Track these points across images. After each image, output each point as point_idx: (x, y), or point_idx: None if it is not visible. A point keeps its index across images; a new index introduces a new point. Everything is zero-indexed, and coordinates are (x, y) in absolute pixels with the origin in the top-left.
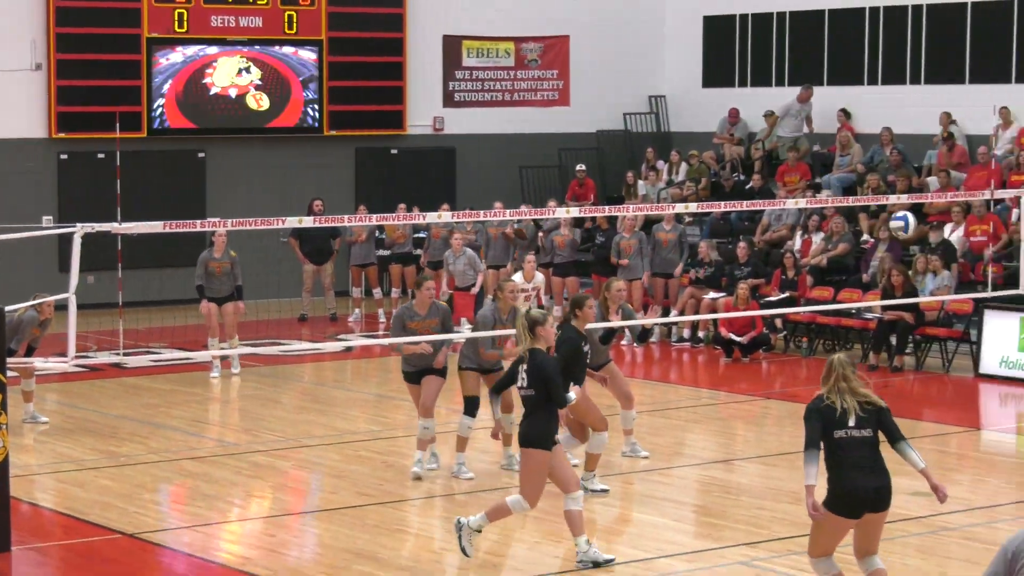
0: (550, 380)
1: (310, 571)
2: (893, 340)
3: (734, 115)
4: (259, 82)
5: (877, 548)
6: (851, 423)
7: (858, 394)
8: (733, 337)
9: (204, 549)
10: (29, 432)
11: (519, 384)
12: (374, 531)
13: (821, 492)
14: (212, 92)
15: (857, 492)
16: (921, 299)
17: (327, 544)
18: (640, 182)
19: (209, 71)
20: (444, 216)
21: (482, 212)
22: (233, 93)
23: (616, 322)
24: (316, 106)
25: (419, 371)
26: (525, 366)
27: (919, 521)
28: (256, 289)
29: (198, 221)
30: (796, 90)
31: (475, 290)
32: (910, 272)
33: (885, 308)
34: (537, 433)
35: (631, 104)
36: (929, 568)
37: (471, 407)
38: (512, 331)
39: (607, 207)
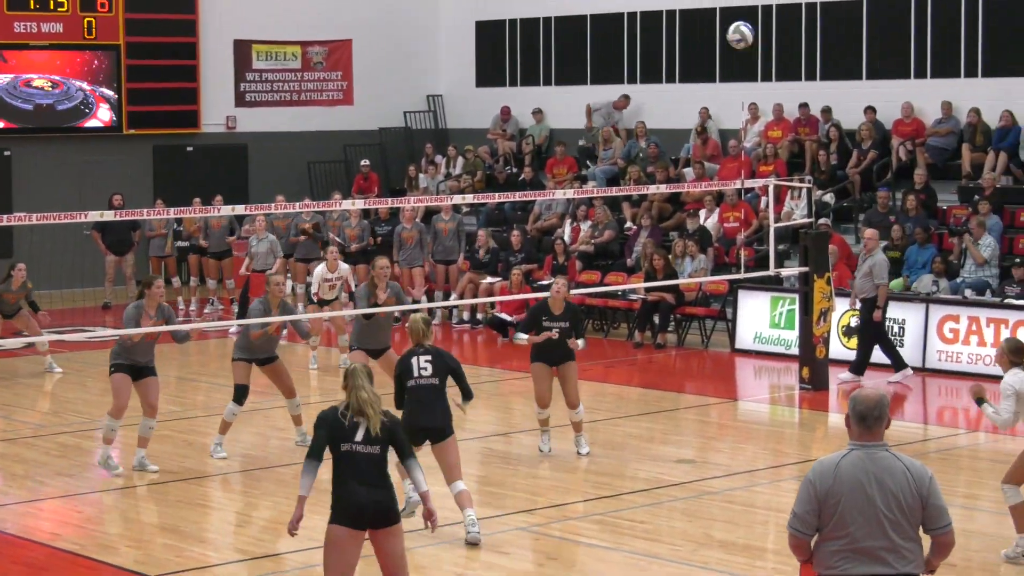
0: (458, 371)
1: (117, 544)
2: (656, 319)
3: (506, 112)
4: (62, 83)
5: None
6: (358, 438)
7: (374, 406)
8: (506, 317)
9: (16, 527)
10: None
11: (418, 374)
12: (176, 506)
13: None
14: (18, 92)
15: (359, 505)
16: (680, 281)
17: (132, 519)
18: (421, 175)
19: (15, 73)
20: (236, 209)
21: (270, 206)
22: (37, 94)
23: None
24: (117, 108)
25: None
26: (428, 358)
27: (683, 487)
28: (62, 279)
29: (4, 215)
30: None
31: (274, 270)
32: (670, 256)
33: (648, 290)
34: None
35: (411, 103)
36: (694, 530)
37: (240, 395)
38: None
39: (390, 199)
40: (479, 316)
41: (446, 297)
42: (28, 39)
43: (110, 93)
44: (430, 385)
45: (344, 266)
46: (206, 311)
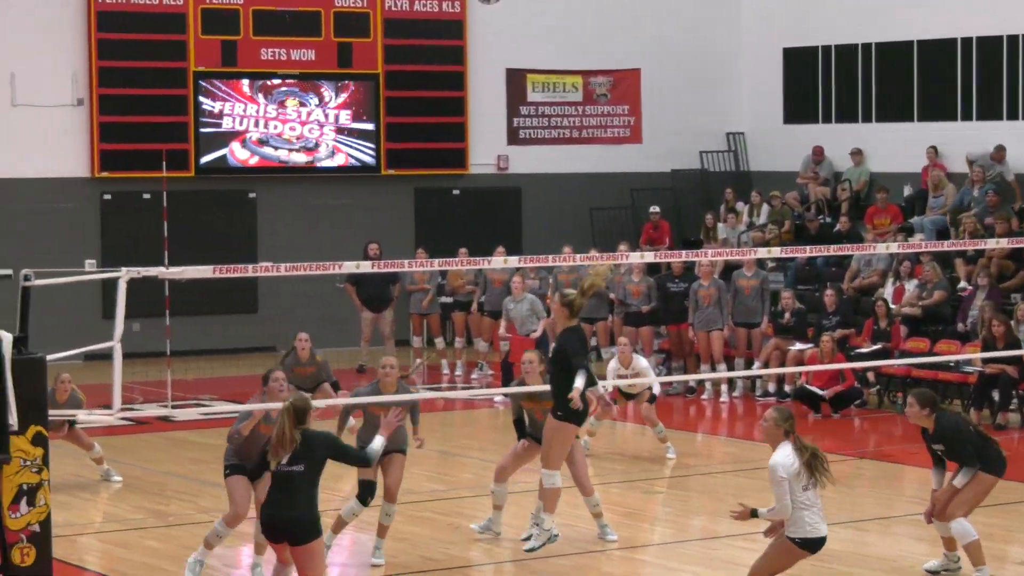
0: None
1: None
2: (996, 396)
3: (818, 153)
4: (312, 119)
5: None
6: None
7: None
8: (816, 391)
9: None
10: (72, 490)
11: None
12: None
13: None
14: (266, 128)
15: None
16: None
17: None
18: (719, 225)
19: (262, 106)
20: (509, 261)
21: (549, 257)
22: (286, 130)
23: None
24: (373, 144)
25: None
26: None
27: None
28: (313, 338)
29: (249, 265)
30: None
31: (536, 335)
32: (1012, 322)
33: (986, 361)
34: None
35: (708, 142)
36: None
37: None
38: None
39: (684, 252)
40: (787, 388)
41: (748, 365)
42: (276, 67)
43: (368, 128)
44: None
45: (643, 362)
46: (473, 376)
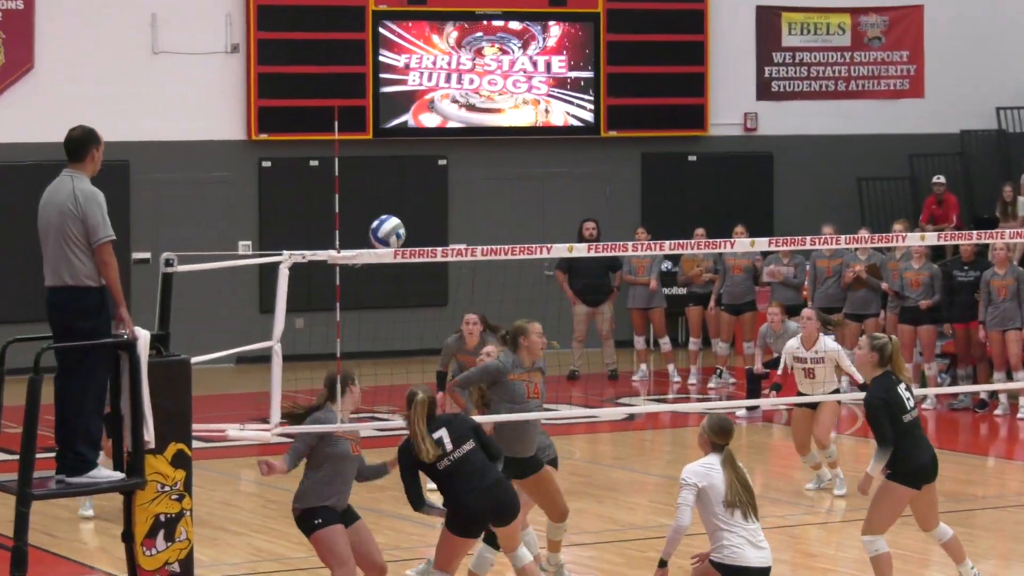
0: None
1: None
2: None
3: None
4: (517, 70)
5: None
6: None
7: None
8: None
9: None
10: (220, 522)
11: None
12: None
13: None
14: (459, 84)
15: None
16: None
17: None
18: (1020, 199)
19: (458, 51)
20: (758, 243)
21: (807, 238)
22: (484, 84)
23: None
24: (591, 100)
25: None
26: None
27: None
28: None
29: (439, 248)
30: None
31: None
32: None
33: None
34: None
35: (1007, 96)
36: None
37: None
38: None
39: (975, 232)
40: None
41: None
42: (474, 6)
43: (585, 80)
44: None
45: (831, 344)
46: (711, 385)
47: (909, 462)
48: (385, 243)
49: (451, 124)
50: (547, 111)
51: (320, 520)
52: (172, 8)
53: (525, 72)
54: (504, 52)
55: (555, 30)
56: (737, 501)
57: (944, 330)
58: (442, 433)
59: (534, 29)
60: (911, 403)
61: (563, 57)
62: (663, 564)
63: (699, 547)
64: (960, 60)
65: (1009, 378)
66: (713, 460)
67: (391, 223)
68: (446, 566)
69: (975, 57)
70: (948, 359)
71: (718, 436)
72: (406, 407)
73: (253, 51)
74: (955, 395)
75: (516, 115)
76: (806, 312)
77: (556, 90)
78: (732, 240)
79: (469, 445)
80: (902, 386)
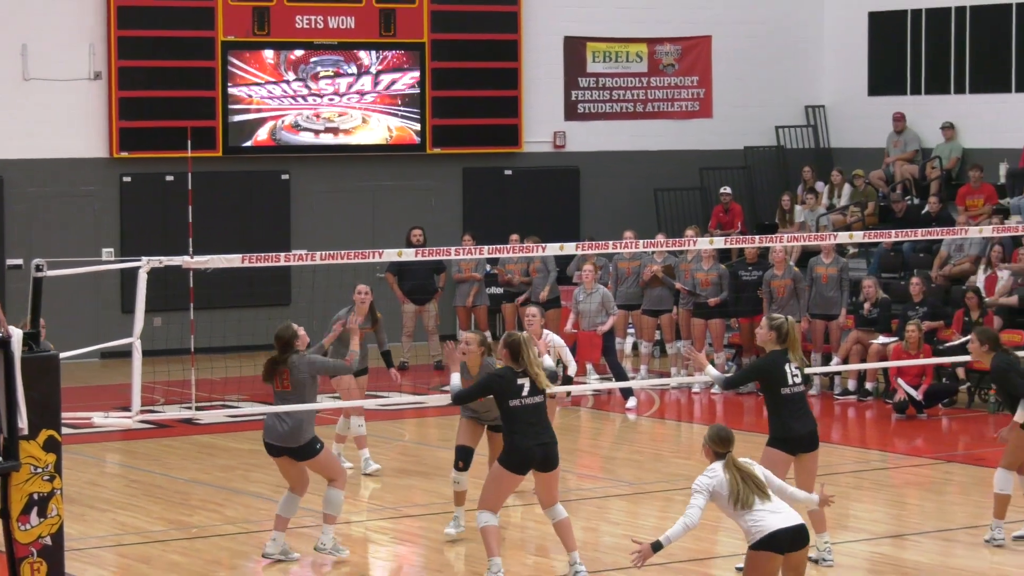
0: None
1: None
2: None
3: (900, 119)
4: (351, 92)
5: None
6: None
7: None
8: (908, 389)
9: None
10: (87, 500)
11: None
12: None
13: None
14: (300, 105)
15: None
16: None
17: None
18: (797, 207)
19: (296, 76)
20: (566, 247)
21: (610, 243)
22: (322, 104)
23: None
24: (418, 120)
25: None
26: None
27: None
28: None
29: (282, 254)
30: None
31: (603, 329)
32: None
33: None
34: None
35: (785, 116)
36: None
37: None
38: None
39: (757, 237)
40: (867, 386)
41: (826, 361)
42: (313, 36)
43: (412, 103)
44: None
45: (556, 338)
46: None
47: (784, 430)
48: None
49: (292, 142)
50: (378, 130)
51: (320, 444)
52: (41, 39)
53: (359, 94)
54: (340, 75)
55: (384, 58)
56: (743, 494)
57: (731, 324)
58: (526, 380)
59: (367, 57)
60: (796, 379)
61: (393, 82)
62: (658, 546)
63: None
64: (743, 84)
65: None
66: (716, 467)
67: None
68: (494, 504)
69: (756, 82)
70: (735, 349)
71: (718, 445)
72: (508, 349)
73: (114, 78)
74: None
75: (350, 134)
76: (530, 310)
77: (386, 111)
78: (544, 245)
79: (540, 398)
80: (791, 364)
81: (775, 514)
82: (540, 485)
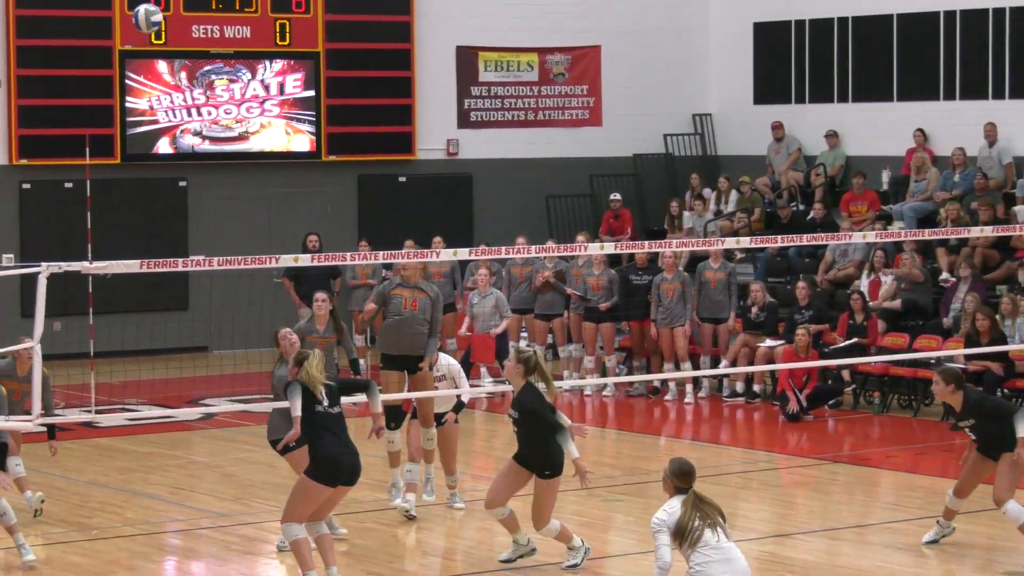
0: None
1: None
2: None
3: (779, 128)
4: (247, 101)
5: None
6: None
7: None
8: (794, 393)
9: None
10: None
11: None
12: None
13: None
14: (197, 115)
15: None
16: (1011, 347)
17: None
18: (685, 213)
19: (192, 87)
20: (459, 253)
21: (503, 248)
22: (219, 114)
23: None
24: (313, 128)
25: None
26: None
27: None
28: (248, 336)
29: (180, 260)
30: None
31: (496, 331)
32: (997, 316)
33: (969, 357)
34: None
35: (673, 124)
36: None
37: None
38: None
39: (646, 242)
40: (755, 388)
41: (714, 364)
42: (209, 46)
43: (307, 111)
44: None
45: (452, 361)
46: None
47: None
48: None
49: (189, 150)
50: (274, 138)
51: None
52: None
53: (255, 101)
54: (233, 81)
55: (280, 66)
56: (692, 530)
57: (622, 327)
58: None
59: (261, 65)
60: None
61: (288, 90)
62: None
63: None
64: (632, 93)
65: (676, 368)
66: (674, 503)
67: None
68: (300, 516)
69: (645, 91)
70: (625, 352)
71: (679, 479)
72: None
73: (13, 86)
74: (631, 383)
75: (246, 142)
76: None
77: (281, 119)
78: (439, 251)
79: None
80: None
81: (722, 563)
82: (330, 500)
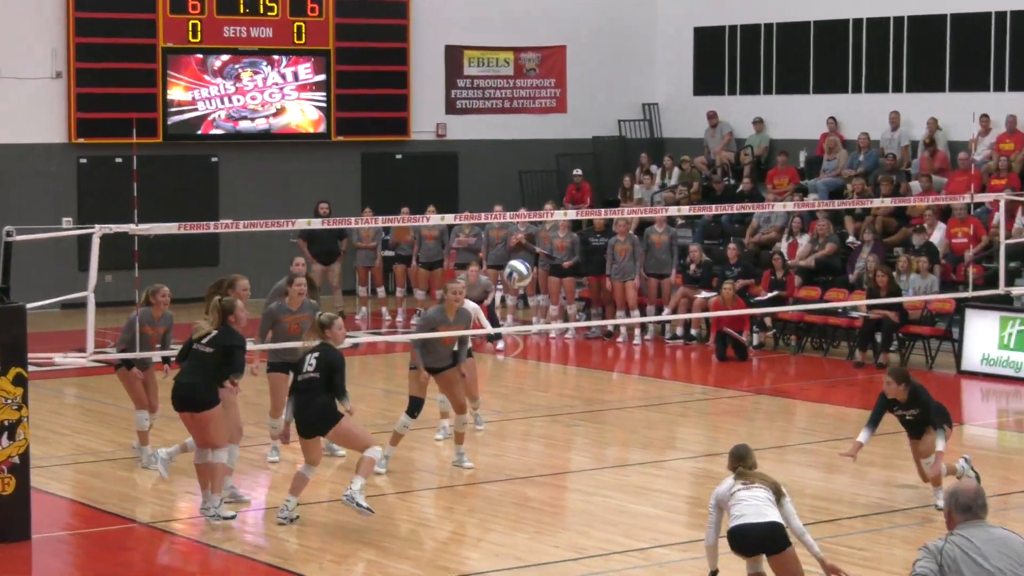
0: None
1: (316, 557)
2: (878, 338)
3: (712, 116)
4: (269, 90)
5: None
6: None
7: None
8: (736, 335)
9: (218, 539)
10: (50, 426)
11: (305, 369)
12: (371, 519)
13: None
14: (228, 103)
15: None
16: (905, 299)
17: (335, 534)
18: (636, 186)
19: (223, 78)
20: (447, 218)
21: (482, 215)
22: (247, 101)
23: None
24: (324, 113)
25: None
26: (316, 355)
27: (906, 513)
28: (265, 289)
29: (211, 223)
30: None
31: (487, 302)
32: (894, 273)
33: (870, 307)
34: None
35: (626, 111)
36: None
37: (414, 408)
38: (454, 331)
39: (603, 210)
40: (692, 332)
41: (659, 312)
42: (237, 44)
43: (319, 99)
44: (310, 379)
45: (472, 305)
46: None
47: None
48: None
49: (219, 132)
50: (290, 122)
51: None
52: (12, 44)
53: (276, 88)
54: (257, 73)
55: (298, 61)
56: (734, 492)
57: (582, 281)
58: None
59: (280, 60)
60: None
61: (303, 83)
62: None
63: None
64: (592, 85)
65: (627, 315)
66: (729, 479)
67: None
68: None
69: (602, 83)
70: (584, 302)
71: (732, 460)
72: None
73: (73, 77)
74: (589, 328)
75: (267, 125)
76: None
77: (298, 104)
78: (428, 216)
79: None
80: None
81: (742, 505)
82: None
